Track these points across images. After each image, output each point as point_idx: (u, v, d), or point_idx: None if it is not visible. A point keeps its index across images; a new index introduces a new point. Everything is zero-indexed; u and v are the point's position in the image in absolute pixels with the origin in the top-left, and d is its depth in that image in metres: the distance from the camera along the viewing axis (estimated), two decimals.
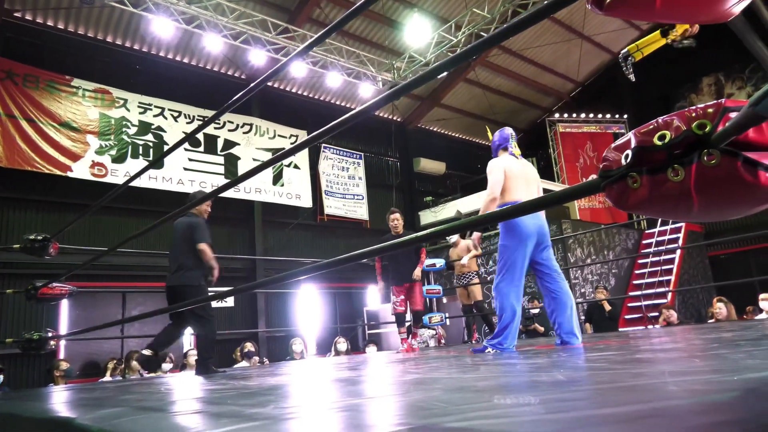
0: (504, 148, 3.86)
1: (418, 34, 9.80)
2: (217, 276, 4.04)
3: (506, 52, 12.01)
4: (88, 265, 3.67)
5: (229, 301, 9.19)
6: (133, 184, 4.19)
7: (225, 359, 7.88)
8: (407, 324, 5.67)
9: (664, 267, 9.88)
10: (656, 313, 8.27)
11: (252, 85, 2.18)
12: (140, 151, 8.52)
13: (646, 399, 0.86)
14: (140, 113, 8.67)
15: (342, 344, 7.77)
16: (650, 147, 0.89)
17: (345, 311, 11.04)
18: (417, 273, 5.38)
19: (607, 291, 8.23)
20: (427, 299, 7.76)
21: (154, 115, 8.83)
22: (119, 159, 8.25)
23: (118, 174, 8.08)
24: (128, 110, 8.54)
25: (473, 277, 6.96)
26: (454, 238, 7.20)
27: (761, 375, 1.03)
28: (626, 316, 9.52)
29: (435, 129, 13.77)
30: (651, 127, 0.91)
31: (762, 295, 6.24)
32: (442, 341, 8.11)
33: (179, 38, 8.97)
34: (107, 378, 6.28)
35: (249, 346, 7.19)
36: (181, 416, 1.26)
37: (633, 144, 0.92)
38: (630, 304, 9.69)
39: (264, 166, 2.09)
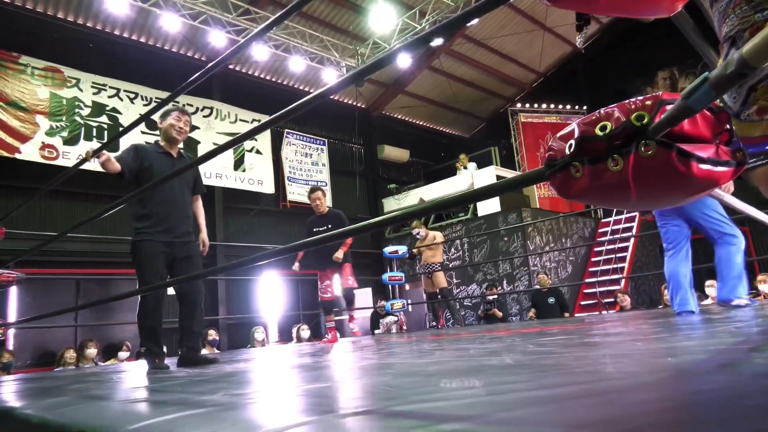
0: None
1: (383, 20, 9.73)
2: None
3: (470, 41, 12.06)
4: (37, 251, 3.53)
5: None
6: (87, 167, 4.02)
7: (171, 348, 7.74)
8: (335, 311, 5.24)
9: (618, 255, 10.22)
10: (611, 299, 8.56)
11: (211, 64, 2.12)
12: (94, 134, 8.21)
13: (582, 380, 0.89)
14: (94, 94, 8.35)
15: (305, 331, 7.77)
16: (592, 137, 0.91)
17: (308, 298, 11.00)
18: (338, 255, 4.88)
19: (548, 277, 8.43)
20: (391, 286, 7.82)
21: (109, 96, 8.52)
22: (71, 141, 7.94)
23: (70, 157, 7.78)
24: (81, 90, 8.21)
25: (437, 267, 7.06)
26: (422, 233, 7.28)
27: (693, 357, 1.09)
28: (582, 302, 9.82)
29: (399, 116, 13.77)
30: (593, 117, 0.93)
31: (708, 282, 6.54)
32: (404, 327, 8.21)
33: (135, 16, 8.65)
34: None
35: (213, 334, 7.12)
36: (127, 404, 1.24)
37: (576, 134, 0.94)
38: (586, 291, 10.00)
39: (220, 149, 2.04)
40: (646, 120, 0.86)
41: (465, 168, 11.36)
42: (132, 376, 2.41)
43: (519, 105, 13.92)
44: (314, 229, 5.09)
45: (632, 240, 10.33)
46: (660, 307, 7.00)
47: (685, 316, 3.15)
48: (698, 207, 3.37)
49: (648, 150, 0.85)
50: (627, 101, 0.92)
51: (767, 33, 0.65)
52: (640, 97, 0.89)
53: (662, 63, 13.14)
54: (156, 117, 3.26)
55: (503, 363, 1.32)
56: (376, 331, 8.41)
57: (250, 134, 1.86)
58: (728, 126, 0.90)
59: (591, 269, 10.37)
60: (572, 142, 0.94)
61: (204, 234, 3.46)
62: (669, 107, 0.86)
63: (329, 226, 5.00)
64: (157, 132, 9.41)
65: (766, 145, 1.28)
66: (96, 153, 2.84)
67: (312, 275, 11.11)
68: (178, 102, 9.11)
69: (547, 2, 1.09)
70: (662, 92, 0.89)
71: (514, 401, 0.77)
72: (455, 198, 1.50)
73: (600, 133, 0.90)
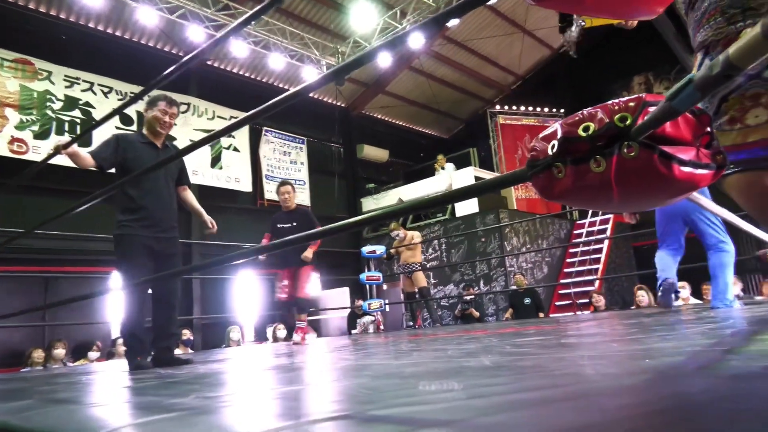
0: None
1: (364, 19, 9.71)
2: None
3: (450, 42, 12.11)
4: (3, 248, 3.41)
5: None
6: (59, 162, 3.88)
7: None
8: (311, 310, 5.01)
9: (593, 256, 10.37)
10: (585, 300, 8.69)
11: (186, 58, 2.05)
12: (66, 128, 8.00)
13: (562, 383, 0.88)
14: (66, 87, 8.13)
15: (281, 331, 7.69)
16: (575, 138, 0.90)
17: None
18: (307, 254, 4.61)
19: (524, 277, 8.56)
20: (369, 286, 7.80)
21: (82, 90, 8.31)
22: (42, 135, 7.72)
23: (40, 151, 7.56)
24: (53, 83, 7.99)
25: (416, 266, 7.07)
26: (400, 234, 7.27)
27: (670, 359, 1.09)
28: (557, 303, 9.93)
29: (379, 116, 13.75)
30: (577, 118, 0.92)
31: (679, 284, 6.68)
32: (381, 327, 8.20)
33: (110, 9, 8.45)
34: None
35: (187, 334, 7.01)
36: (94, 408, 1.19)
37: (559, 134, 0.93)
38: (561, 291, 10.12)
39: (199, 144, 1.98)
40: (629, 121, 0.86)
41: (443, 169, 11.40)
42: (102, 378, 2.34)
43: (498, 107, 14.03)
44: (278, 225, 4.89)
45: (606, 242, 10.50)
46: (632, 308, 7.11)
47: (667, 285, 3.50)
48: (699, 208, 3.50)
49: (631, 151, 0.84)
50: (610, 102, 0.91)
51: (753, 35, 0.65)
52: (624, 98, 0.88)
53: (638, 68, 13.35)
54: (141, 104, 3.15)
55: (482, 365, 1.31)
56: (353, 331, 8.38)
57: (228, 130, 1.82)
58: (709, 129, 0.91)
59: (566, 270, 10.50)
60: (555, 142, 0.93)
61: (206, 215, 3.33)
62: (652, 109, 0.85)
63: (294, 224, 4.79)
64: (133, 127, 9.18)
65: (739, 154, 1.30)
66: (66, 146, 2.74)
67: None
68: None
69: (531, 2, 1.08)
70: (646, 94, 0.88)
71: (494, 405, 0.76)
72: (436, 198, 1.49)
73: (583, 134, 0.89)
